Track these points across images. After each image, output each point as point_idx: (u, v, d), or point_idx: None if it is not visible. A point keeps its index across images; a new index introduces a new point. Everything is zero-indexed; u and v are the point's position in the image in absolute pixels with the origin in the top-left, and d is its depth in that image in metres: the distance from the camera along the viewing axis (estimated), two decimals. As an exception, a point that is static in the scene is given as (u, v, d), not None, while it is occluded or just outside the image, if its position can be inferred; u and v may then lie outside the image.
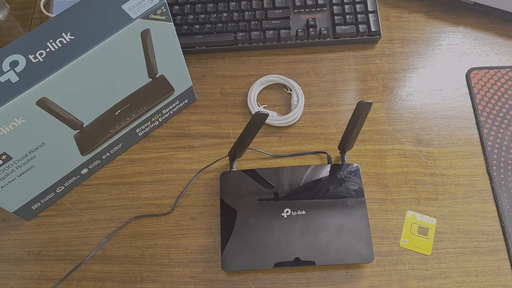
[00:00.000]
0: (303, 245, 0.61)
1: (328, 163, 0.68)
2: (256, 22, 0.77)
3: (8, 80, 0.49)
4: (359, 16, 0.77)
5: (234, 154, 0.66)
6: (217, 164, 0.69)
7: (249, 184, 0.65)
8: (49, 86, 0.51)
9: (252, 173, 0.66)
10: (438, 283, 0.60)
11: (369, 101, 0.57)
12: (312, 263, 0.60)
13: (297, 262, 0.60)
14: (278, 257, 0.60)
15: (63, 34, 0.52)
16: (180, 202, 0.67)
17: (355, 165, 0.66)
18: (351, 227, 0.61)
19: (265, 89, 0.76)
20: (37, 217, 0.67)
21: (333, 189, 0.64)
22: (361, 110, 0.58)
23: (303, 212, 0.62)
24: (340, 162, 0.68)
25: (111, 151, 0.69)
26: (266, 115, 0.58)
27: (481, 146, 0.69)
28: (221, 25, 0.77)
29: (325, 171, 0.66)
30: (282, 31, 0.77)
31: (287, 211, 0.62)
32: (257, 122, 0.59)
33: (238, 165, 0.69)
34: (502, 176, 0.67)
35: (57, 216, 0.67)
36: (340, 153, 0.68)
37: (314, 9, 0.79)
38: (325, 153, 0.69)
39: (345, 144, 0.65)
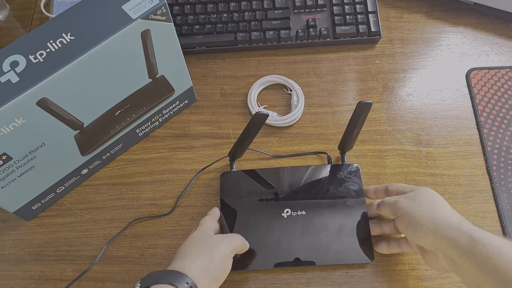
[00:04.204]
0: (303, 245, 0.61)
1: (328, 163, 0.68)
2: (256, 22, 0.78)
3: (9, 80, 0.49)
4: (359, 16, 0.77)
5: (234, 154, 0.66)
6: (217, 164, 0.69)
7: (249, 184, 0.65)
8: (50, 86, 0.51)
9: (252, 173, 0.66)
10: (438, 283, 0.60)
11: (369, 101, 0.57)
12: (312, 263, 0.60)
13: (297, 262, 0.60)
14: (278, 257, 0.60)
15: (63, 34, 0.52)
16: (180, 202, 0.67)
17: (355, 165, 0.66)
18: (351, 227, 0.61)
19: (265, 90, 0.76)
20: (37, 218, 0.67)
21: (333, 189, 0.64)
22: (361, 110, 0.58)
23: (303, 212, 0.62)
24: (340, 163, 0.68)
25: (112, 152, 0.69)
26: (266, 115, 0.58)
27: (481, 146, 0.69)
28: (221, 25, 0.77)
29: (325, 171, 0.66)
30: (282, 31, 0.77)
31: (287, 211, 0.62)
32: (257, 122, 0.59)
33: (238, 165, 0.69)
34: (502, 176, 0.67)
35: (57, 216, 0.67)
36: (340, 153, 0.68)
37: (314, 10, 0.79)
38: (325, 153, 0.69)
39: (345, 144, 0.65)
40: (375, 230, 0.61)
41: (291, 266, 0.60)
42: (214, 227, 0.60)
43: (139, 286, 0.49)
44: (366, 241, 0.61)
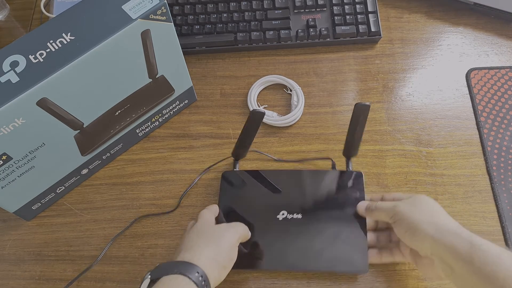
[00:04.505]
0: (301, 249, 0.60)
1: (332, 168, 0.67)
2: (256, 22, 0.78)
3: (9, 80, 0.49)
4: (359, 16, 0.77)
5: (237, 154, 0.65)
6: (217, 164, 0.69)
7: (250, 185, 0.65)
8: (50, 86, 0.51)
9: (254, 174, 0.66)
10: (438, 283, 0.60)
11: (367, 103, 0.57)
12: (309, 268, 0.60)
13: (295, 266, 0.60)
14: (275, 259, 0.60)
15: (63, 34, 0.52)
16: (180, 202, 0.67)
17: (359, 172, 0.65)
18: (349, 236, 0.60)
19: (265, 90, 0.76)
20: (37, 218, 0.67)
21: (334, 196, 0.63)
22: (359, 113, 0.58)
23: (302, 216, 0.62)
24: (345, 168, 0.66)
25: (112, 152, 0.69)
26: (263, 113, 0.58)
27: (481, 146, 0.69)
28: (221, 25, 0.77)
29: (328, 177, 0.65)
30: (282, 31, 0.77)
31: (286, 214, 0.62)
32: (254, 120, 0.59)
33: (239, 166, 0.69)
34: (502, 176, 0.67)
35: (57, 216, 0.67)
36: (345, 159, 0.67)
37: (314, 10, 0.79)
38: (330, 159, 0.69)
39: (348, 149, 0.64)
40: (371, 239, 0.60)
41: (287, 269, 0.60)
42: (213, 220, 0.60)
43: (149, 278, 0.49)
44: (363, 251, 0.59)
